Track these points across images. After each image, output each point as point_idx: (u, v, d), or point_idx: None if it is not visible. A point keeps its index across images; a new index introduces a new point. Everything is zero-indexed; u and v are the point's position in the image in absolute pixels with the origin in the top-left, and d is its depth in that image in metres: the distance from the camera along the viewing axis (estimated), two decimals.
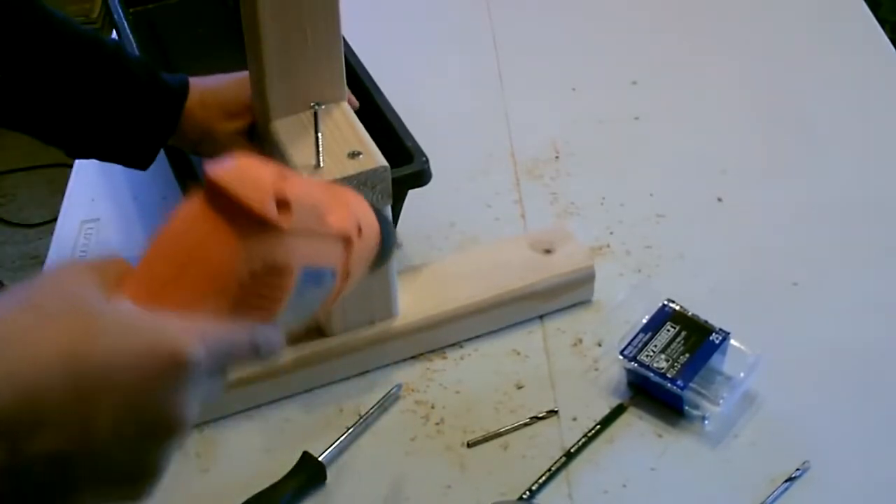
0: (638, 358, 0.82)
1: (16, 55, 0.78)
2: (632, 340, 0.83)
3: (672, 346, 0.83)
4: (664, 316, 0.85)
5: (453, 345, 0.89)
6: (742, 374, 0.82)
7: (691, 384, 0.80)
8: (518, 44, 1.29)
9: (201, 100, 0.85)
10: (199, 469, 0.81)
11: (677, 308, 0.85)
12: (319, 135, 0.76)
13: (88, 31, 0.82)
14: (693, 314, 0.85)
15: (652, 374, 0.81)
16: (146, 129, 0.84)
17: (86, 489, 0.41)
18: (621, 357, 0.82)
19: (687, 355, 0.82)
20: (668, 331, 0.84)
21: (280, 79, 0.76)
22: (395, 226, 0.93)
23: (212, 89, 0.85)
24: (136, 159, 0.86)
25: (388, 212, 0.80)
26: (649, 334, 0.84)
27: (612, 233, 1.00)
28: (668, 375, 0.81)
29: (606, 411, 0.83)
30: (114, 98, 0.81)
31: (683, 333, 0.83)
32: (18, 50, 0.78)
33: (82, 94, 0.80)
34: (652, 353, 0.82)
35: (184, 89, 0.84)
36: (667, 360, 0.82)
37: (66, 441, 0.39)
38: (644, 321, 0.85)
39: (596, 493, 0.77)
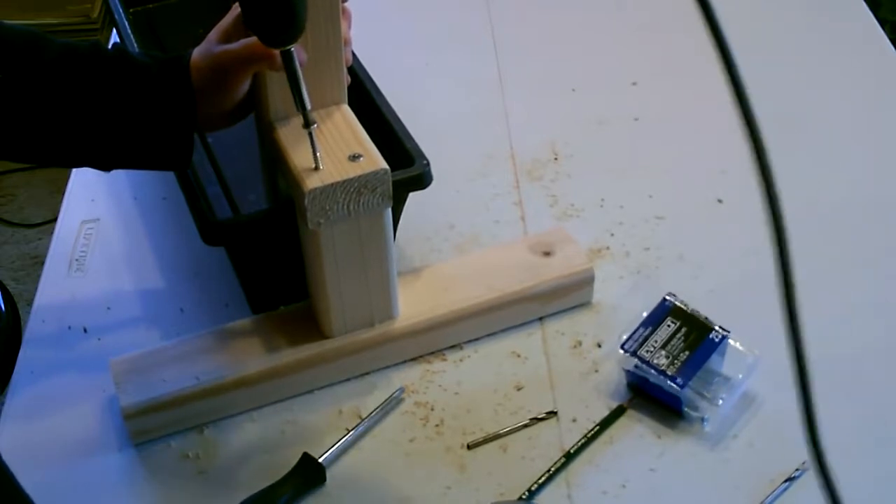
0: (638, 353, 0.82)
1: (35, 93, 0.75)
2: (632, 335, 0.83)
3: (672, 343, 0.83)
4: (664, 310, 0.85)
5: (453, 346, 0.89)
6: (741, 376, 0.82)
7: (690, 384, 0.80)
8: (518, 44, 1.29)
9: (199, 54, 0.79)
10: (199, 470, 0.81)
11: (677, 303, 0.85)
12: (318, 154, 0.76)
13: (85, 42, 0.79)
14: (693, 310, 0.85)
15: (652, 373, 0.81)
16: (172, 112, 0.78)
17: None
18: (622, 351, 0.82)
19: (687, 353, 0.82)
20: (669, 326, 0.84)
21: (280, 82, 0.76)
22: (396, 228, 0.93)
23: (201, 47, 0.80)
24: (174, 154, 0.80)
25: (389, 214, 0.80)
26: (650, 329, 0.84)
27: (612, 234, 1.00)
28: (668, 373, 0.81)
29: (606, 413, 0.83)
30: (131, 98, 0.77)
31: (684, 330, 0.84)
32: (37, 88, 0.75)
33: (101, 105, 0.77)
34: (652, 349, 0.82)
35: (184, 56, 0.79)
36: (667, 357, 0.82)
37: None
38: (645, 315, 0.85)
39: (595, 494, 0.78)
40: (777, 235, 0.45)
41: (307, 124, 0.75)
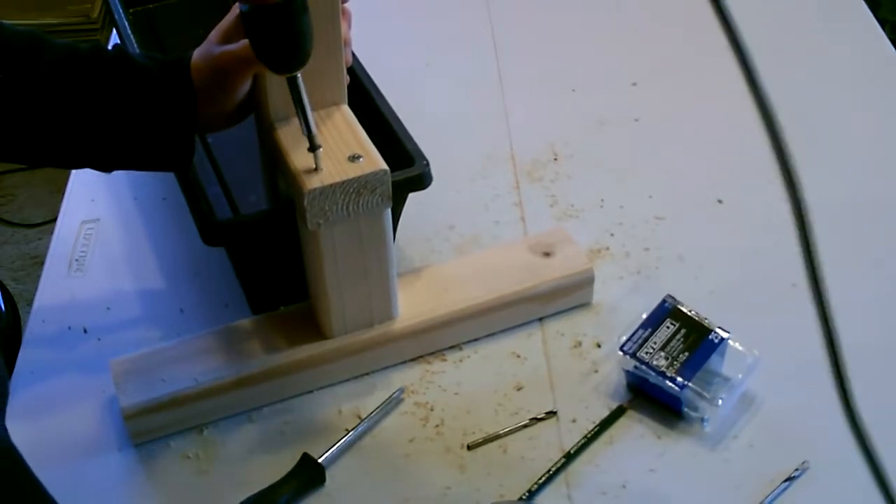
0: (637, 354, 0.82)
1: (35, 94, 0.75)
2: (631, 336, 0.83)
3: (671, 344, 0.83)
4: (664, 312, 0.85)
5: (453, 347, 0.89)
6: (740, 376, 0.82)
7: (690, 384, 0.80)
8: (518, 44, 1.29)
9: (199, 55, 0.79)
10: (199, 470, 0.81)
11: (677, 304, 0.85)
12: (321, 171, 0.76)
13: (86, 44, 0.79)
14: (693, 311, 0.85)
15: (651, 374, 0.81)
16: (173, 113, 0.78)
17: None
18: (621, 353, 0.82)
19: (686, 353, 0.82)
20: (668, 328, 0.84)
21: (280, 83, 0.76)
22: (396, 228, 0.93)
23: (202, 48, 0.80)
24: (175, 155, 0.80)
25: (389, 215, 0.80)
26: (649, 330, 0.84)
27: (611, 235, 1.00)
28: (668, 374, 0.81)
29: (606, 413, 0.83)
30: (132, 99, 0.77)
31: (683, 331, 0.84)
32: (37, 89, 0.75)
33: (102, 107, 0.77)
34: (651, 351, 0.82)
35: (185, 57, 0.79)
36: (666, 358, 0.82)
37: None
38: (644, 316, 0.85)
39: (595, 495, 0.78)
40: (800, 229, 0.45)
41: (312, 147, 0.75)
